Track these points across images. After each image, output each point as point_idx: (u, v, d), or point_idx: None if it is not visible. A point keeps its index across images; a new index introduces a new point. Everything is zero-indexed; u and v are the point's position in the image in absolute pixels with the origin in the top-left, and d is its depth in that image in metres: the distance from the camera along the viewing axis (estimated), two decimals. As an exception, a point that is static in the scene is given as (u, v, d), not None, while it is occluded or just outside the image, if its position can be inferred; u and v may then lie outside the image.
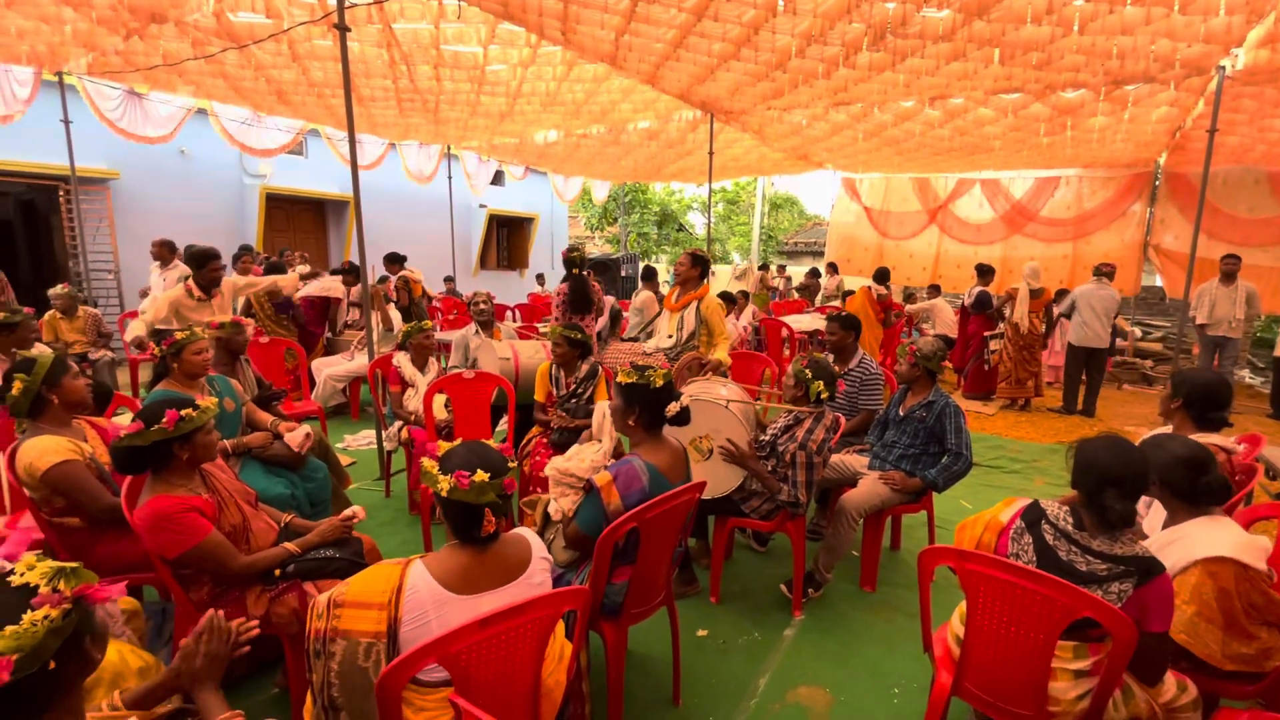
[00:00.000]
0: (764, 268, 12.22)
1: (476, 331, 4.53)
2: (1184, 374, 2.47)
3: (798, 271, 13.64)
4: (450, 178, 10.10)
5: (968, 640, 1.74)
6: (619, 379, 2.12)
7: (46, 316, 5.48)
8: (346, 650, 1.32)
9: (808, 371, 2.77)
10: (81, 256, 7.12)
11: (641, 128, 8.01)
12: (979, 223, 10.30)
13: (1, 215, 9.58)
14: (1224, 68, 4.77)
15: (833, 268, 11.32)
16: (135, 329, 4.29)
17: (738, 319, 7.41)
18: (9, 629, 0.89)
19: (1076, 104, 5.94)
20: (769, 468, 2.75)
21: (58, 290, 5.53)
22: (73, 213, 7.36)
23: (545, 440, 3.38)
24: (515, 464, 1.53)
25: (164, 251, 6.19)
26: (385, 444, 3.97)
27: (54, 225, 8.89)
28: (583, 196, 13.62)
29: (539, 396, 3.56)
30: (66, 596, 0.96)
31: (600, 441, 2.34)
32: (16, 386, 2.16)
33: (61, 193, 7.98)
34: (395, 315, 6.01)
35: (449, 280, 10.49)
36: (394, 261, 6.98)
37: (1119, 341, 9.23)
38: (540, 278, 12.81)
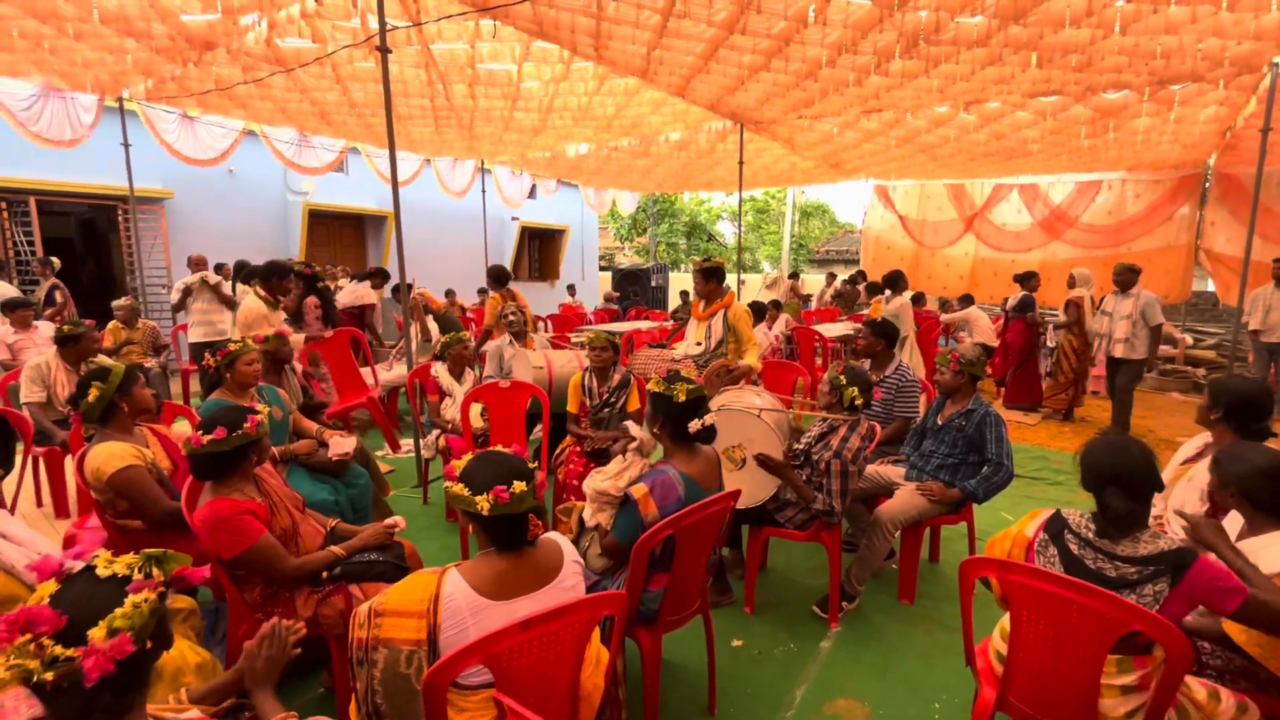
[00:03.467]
0: (794, 276, 12.12)
1: (510, 341, 4.62)
2: (1223, 383, 2.34)
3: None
4: (484, 191, 10.32)
5: (1012, 654, 1.70)
6: (650, 386, 2.14)
7: (110, 326, 5.79)
8: (388, 658, 1.36)
9: (843, 378, 2.75)
10: (138, 272, 7.47)
11: (672, 139, 8.07)
12: (1017, 229, 10.06)
13: (64, 234, 10.13)
14: (1277, 65, 4.60)
15: (862, 275, 11.20)
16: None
17: (770, 328, 7.37)
18: (118, 611, 0.97)
19: (1119, 105, 5.78)
20: (804, 476, 2.74)
21: (121, 302, 5.83)
22: (130, 231, 7.74)
23: (579, 449, 3.42)
24: (535, 465, 1.55)
25: (201, 267, 6.44)
26: (423, 452, 4.06)
27: (113, 243, 9.37)
28: (612, 208, 13.76)
29: (571, 408, 3.60)
30: (160, 581, 1.04)
31: (643, 457, 2.34)
32: (93, 393, 2.30)
33: (120, 212, 8.41)
34: (433, 326, 6.16)
35: (483, 292, 10.69)
36: (381, 277, 7.06)
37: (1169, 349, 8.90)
38: (571, 288, 12.96)
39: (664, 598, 1.99)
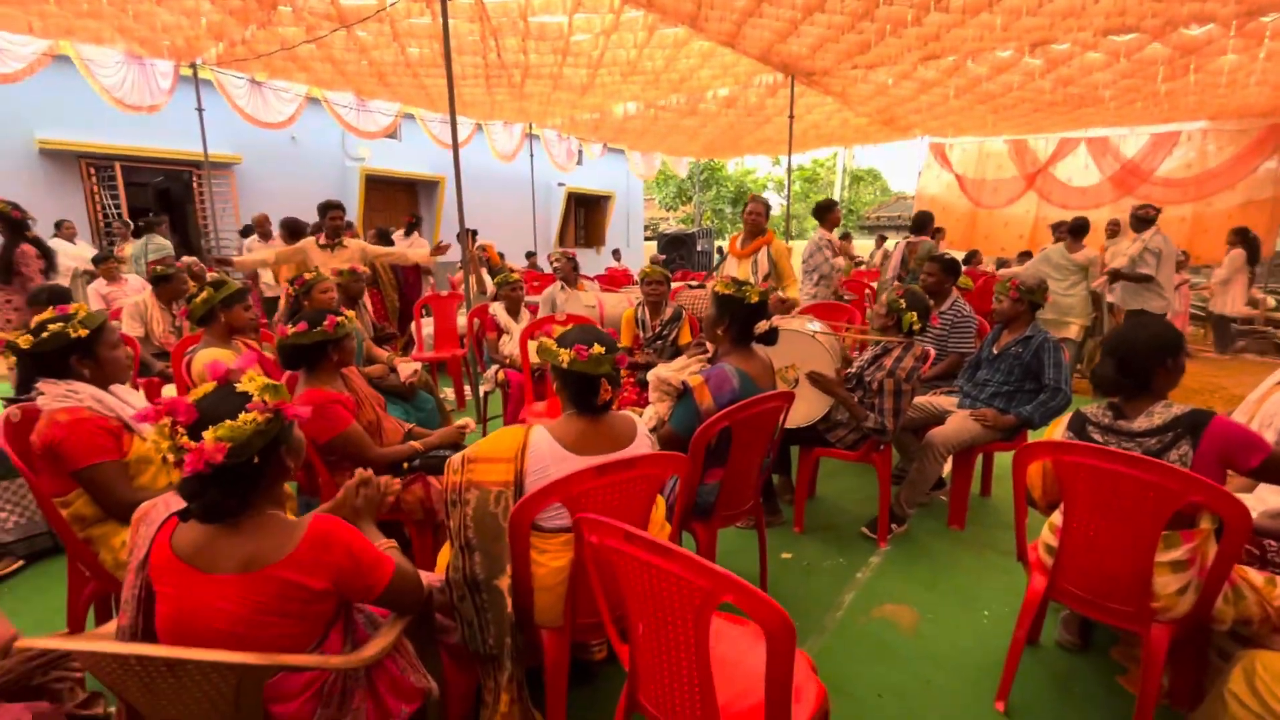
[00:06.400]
0: (845, 237, 11.91)
1: (562, 287, 4.76)
2: None
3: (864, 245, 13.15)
4: (532, 156, 10.45)
5: (1064, 538, 1.74)
6: (716, 288, 2.23)
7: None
8: (479, 499, 1.51)
9: (901, 301, 2.76)
10: (213, 235, 7.94)
11: (720, 95, 7.98)
12: (1084, 186, 9.59)
13: (143, 204, 10.75)
14: (1385, -15, 4.25)
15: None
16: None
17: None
18: (228, 423, 1.12)
19: (1202, 41, 5.42)
20: (855, 399, 2.78)
21: (187, 259, 6.23)
22: (205, 195, 8.19)
23: (633, 379, 3.53)
24: (624, 348, 1.67)
25: (265, 227, 6.80)
26: (482, 385, 4.25)
27: (188, 211, 9.92)
28: (658, 176, 13.73)
29: (625, 341, 3.71)
30: (270, 406, 1.19)
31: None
32: (202, 295, 2.56)
33: (195, 177, 8.89)
34: (488, 279, 6.37)
35: (530, 255, 10.90)
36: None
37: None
38: (616, 253, 13.06)
39: (719, 491, 2.10)
